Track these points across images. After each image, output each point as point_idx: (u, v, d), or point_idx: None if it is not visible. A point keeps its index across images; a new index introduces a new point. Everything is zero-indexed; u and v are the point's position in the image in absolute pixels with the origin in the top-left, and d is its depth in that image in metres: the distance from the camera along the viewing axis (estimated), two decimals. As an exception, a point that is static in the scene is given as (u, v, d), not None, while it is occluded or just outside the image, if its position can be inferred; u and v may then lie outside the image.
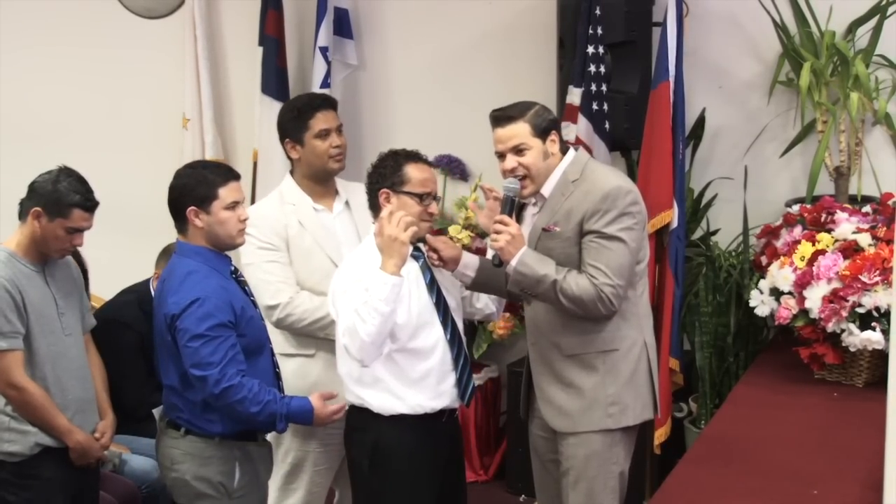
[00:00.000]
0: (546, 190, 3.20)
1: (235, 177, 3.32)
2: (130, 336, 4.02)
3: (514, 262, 3.11)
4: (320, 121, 3.66)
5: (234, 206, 3.27)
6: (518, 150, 3.16)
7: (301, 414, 3.29)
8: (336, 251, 3.62)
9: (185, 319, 3.15)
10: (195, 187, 3.27)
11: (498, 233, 3.14)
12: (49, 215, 3.18)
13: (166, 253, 4.10)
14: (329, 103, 3.74)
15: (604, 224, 3.08)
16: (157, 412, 3.77)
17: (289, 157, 3.73)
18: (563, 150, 3.24)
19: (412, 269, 3.29)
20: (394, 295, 3.11)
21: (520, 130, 3.15)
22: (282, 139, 3.72)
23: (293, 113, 3.71)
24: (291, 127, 3.68)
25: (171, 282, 3.26)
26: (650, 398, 3.28)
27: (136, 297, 4.18)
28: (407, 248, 3.16)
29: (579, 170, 3.18)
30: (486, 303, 3.57)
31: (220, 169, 3.36)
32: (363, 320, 3.08)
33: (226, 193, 3.26)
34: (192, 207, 3.26)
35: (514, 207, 3.22)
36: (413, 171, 3.27)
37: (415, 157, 3.32)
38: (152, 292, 4.12)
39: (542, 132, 3.16)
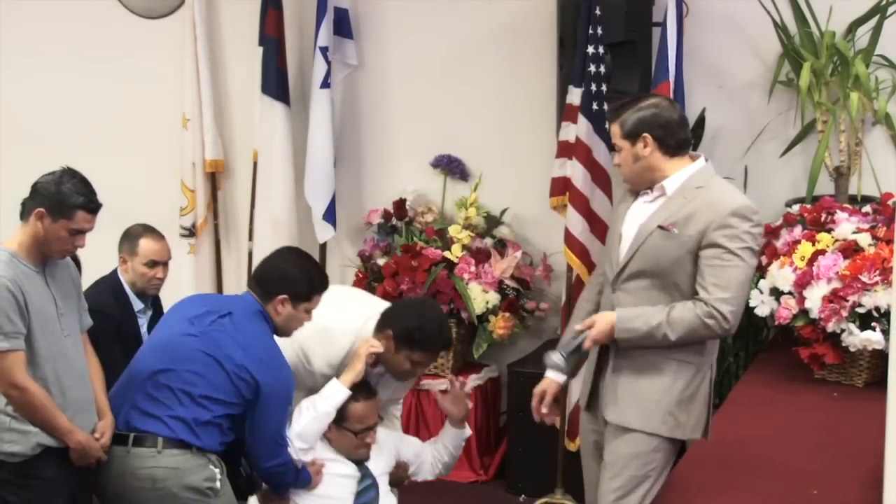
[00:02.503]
0: (669, 188, 3.14)
1: (326, 289, 3.50)
2: (108, 325, 3.97)
3: (617, 335, 3.09)
4: None
5: (310, 312, 3.47)
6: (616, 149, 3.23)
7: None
8: None
9: (284, 387, 3.36)
10: (298, 281, 3.43)
11: (588, 343, 3.14)
12: (52, 216, 3.17)
13: (127, 236, 4.14)
14: None
15: (728, 239, 3.01)
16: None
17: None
18: (677, 150, 3.14)
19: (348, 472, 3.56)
20: (336, 401, 3.45)
21: (614, 130, 3.19)
22: None
23: None
24: None
25: (262, 340, 3.38)
26: (704, 419, 3.20)
27: (108, 286, 4.13)
28: (361, 366, 3.47)
29: (706, 179, 3.13)
30: (424, 475, 3.80)
31: (324, 275, 3.54)
32: (299, 412, 3.46)
33: (316, 302, 3.46)
34: (285, 296, 3.40)
35: (579, 350, 3.17)
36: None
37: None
38: (121, 279, 4.12)
39: (629, 135, 3.13)
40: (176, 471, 3.28)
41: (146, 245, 4.12)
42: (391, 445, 3.71)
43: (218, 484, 3.34)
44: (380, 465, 3.63)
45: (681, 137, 3.16)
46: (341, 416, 3.50)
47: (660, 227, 3.09)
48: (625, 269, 3.16)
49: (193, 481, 3.28)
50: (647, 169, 3.14)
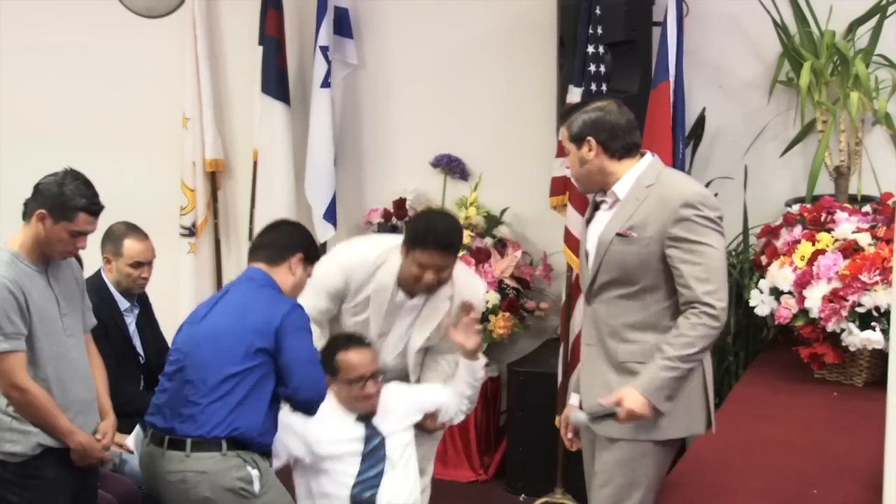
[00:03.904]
0: (621, 191, 3.11)
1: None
2: (95, 326, 3.98)
3: (656, 403, 2.97)
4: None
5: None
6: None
7: None
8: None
9: (300, 316, 3.36)
10: (312, 243, 3.56)
11: (624, 417, 3.00)
12: (54, 218, 3.16)
13: (110, 236, 4.11)
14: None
15: (688, 231, 2.98)
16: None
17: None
18: (624, 154, 3.11)
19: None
20: None
21: (563, 134, 3.18)
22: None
23: None
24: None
25: (266, 299, 3.39)
26: (702, 412, 3.13)
27: (92, 288, 4.10)
28: None
29: (655, 175, 3.10)
30: (455, 417, 3.81)
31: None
32: None
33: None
34: (302, 255, 3.47)
35: (603, 413, 3.05)
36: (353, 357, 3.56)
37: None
38: (105, 279, 4.12)
39: (575, 138, 3.12)
40: (205, 475, 3.22)
41: (131, 246, 4.11)
42: (404, 402, 3.68)
43: (256, 485, 3.26)
44: (389, 423, 3.58)
45: (628, 141, 3.12)
46: (335, 369, 3.51)
47: (618, 234, 3.07)
48: (594, 282, 3.13)
49: (226, 483, 3.22)
50: (594, 172, 3.13)
